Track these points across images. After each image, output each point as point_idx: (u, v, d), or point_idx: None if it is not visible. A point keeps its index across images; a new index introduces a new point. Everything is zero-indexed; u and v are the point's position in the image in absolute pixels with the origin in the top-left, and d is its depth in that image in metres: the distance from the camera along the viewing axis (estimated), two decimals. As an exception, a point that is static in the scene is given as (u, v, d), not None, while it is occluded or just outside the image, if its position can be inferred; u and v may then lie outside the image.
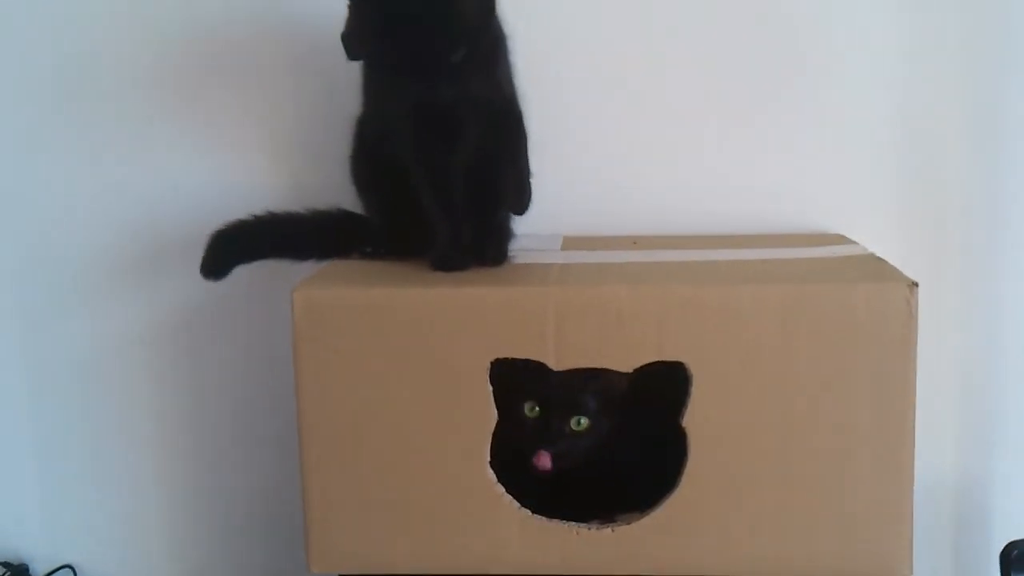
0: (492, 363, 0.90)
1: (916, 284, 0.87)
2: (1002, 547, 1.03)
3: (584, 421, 0.94)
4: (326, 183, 1.09)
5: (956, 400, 1.17)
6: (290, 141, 1.21)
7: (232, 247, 1.03)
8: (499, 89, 0.97)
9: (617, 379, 0.92)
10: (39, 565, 1.30)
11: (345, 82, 1.02)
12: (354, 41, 0.91)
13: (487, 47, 0.94)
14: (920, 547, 1.06)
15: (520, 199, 1.01)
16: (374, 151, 1.02)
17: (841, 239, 1.10)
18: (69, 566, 1.29)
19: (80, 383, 1.27)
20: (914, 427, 0.88)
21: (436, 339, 0.90)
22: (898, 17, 1.14)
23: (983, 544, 1.04)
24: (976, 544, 1.12)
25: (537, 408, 0.94)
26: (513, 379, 0.92)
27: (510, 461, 0.93)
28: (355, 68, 1.00)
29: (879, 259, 0.99)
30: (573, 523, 0.92)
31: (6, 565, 1.28)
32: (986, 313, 1.17)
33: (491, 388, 0.90)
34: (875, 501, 0.89)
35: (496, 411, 0.90)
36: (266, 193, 1.17)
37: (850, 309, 0.87)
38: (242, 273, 1.06)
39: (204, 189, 1.20)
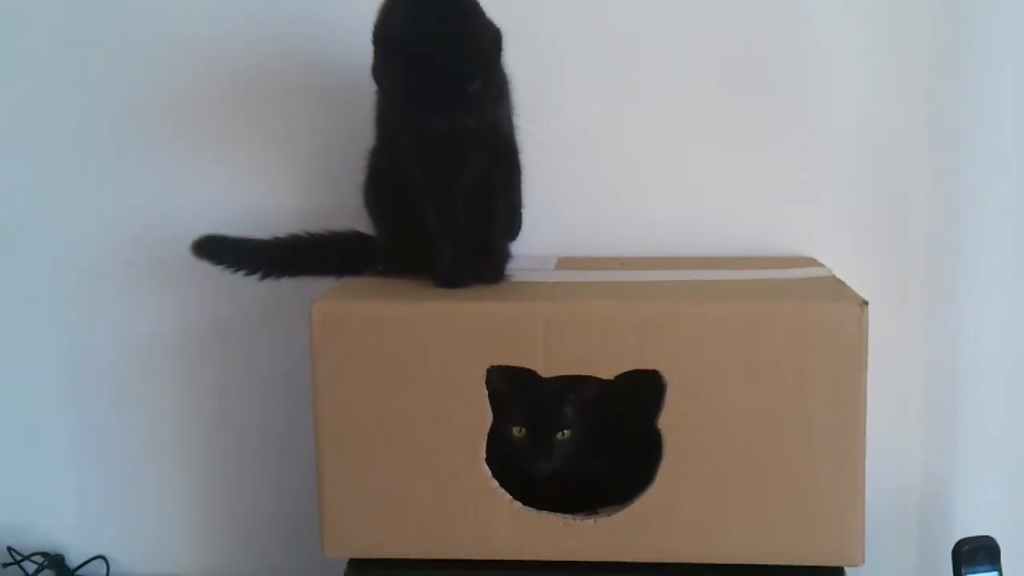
0: (488, 370, 0.98)
1: (867, 303, 0.95)
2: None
3: (567, 432, 1.03)
4: (343, 208, 1.16)
5: (920, 409, 1.24)
6: (311, 169, 1.28)
7: (233, 251, 1.12)
8: (501, 125, 1.06)
9: (590, 384, 1.00)
10: (74, 555, 1.35)
11: (362, 114, 1.11)
12: (381, 74, 0.99)
13: (495, 85, 1.02)
14: (886, 544, 1.16)
15: (511, 226, 1.11)
16: (385, 179, 1.10)
17: (811, 262, 1.18)
18: (102, 556, 1.35)
19: (115, 386, 1.34)
20: (865, 429, 0.96)
21: (438, 348, 0.98)
22: (866, 60, 1.21)
23: (944, 542, 1.10)
24: (938, 542, 1.18)
25: (524, 430, 1.03)
26: (502, 398, 1.00)
27: (503, 459, 1.01)
28: (370, 102, 1.09)
29: (838, 280, 1.07)
30: (560, 514, 1.00)
31: (44, 555, 1.33)
32: (946, 328, 1.23)
33: (487, 393, 0.98)
34: (830, 495, 0.97)
35: (491, 414, 0.98)
36: (289, 216, 1.24)
37: (808, 324, 0.96)
38: (265, 287, 1.15)
39: (231, 211, 1.27)
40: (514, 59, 1.04)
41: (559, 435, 1.03)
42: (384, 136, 1.10)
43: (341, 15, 1.18)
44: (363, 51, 1.01)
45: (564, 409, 1.03)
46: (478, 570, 1.02)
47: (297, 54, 1.26)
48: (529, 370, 0.98)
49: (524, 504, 1.01)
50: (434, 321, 0.99)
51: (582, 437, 1.04)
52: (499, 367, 0.98)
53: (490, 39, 0.98)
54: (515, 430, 1.03)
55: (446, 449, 1.00)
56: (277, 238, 1.15)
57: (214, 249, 1.12)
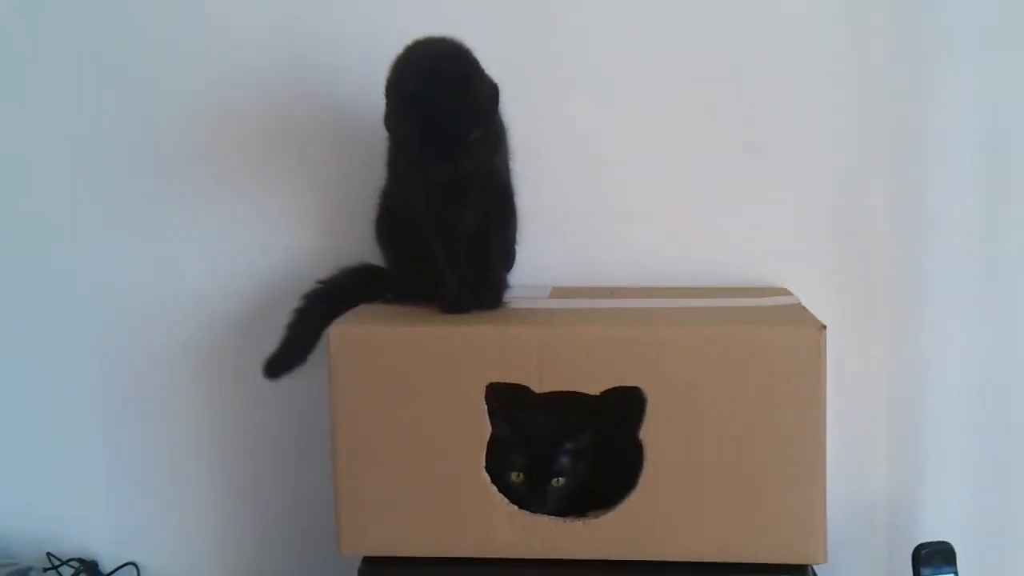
0: (487, 387, 1.07)
1: (824, 327, 1.05)
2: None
3: (561, 480, 1.10)
4: (357, 242, 1.27)
5: (885, 426, 1.33)
6: (327, 208, 1.38)
7: (288, 356, 1.20)
8: (499, 170, 1.16)
9: (583, 434, 1.11)
10: (106, 561, 1.42)
11: (374, 158, 1.21)
12: (392, 124, 1.10)
13: (493, 133, 1.12)
14: (853, 548, 1.23)
15: (506, 260, 1.21)
16: (396, 216, 1.20)
17: (782, 291, 1.28)
18: (133, 563, 1.42)
19: (143, 401, 1.42)
20: (825, 439, 1.05)
21: (443, 367, 1.08)
22: (836, 111, 1.31)
23: (906, 546, 1.17)
24: (900, 546, 1.24)
25: (521, 475, 1.10)
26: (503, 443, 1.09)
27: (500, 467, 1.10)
28: (382, 147, 1.19)
29: (803, 307, 1.17)
30: (553, 517, 1.09)
31: (79, 560, 1.40)
32: (908, 348, 1.32)
33: (486, 407, 1.07)
34: (795, 499, 1.06)
35: (490, 425, 1.08)
36: (308, 250, 1.36)
37: (772, 346, 1.06)
38: (286, 312, 1.24)
39: (254, 245, 1.39)
40: (510, 107, 1.13)
41: (554, 482, 1.10)
42: (395, 178, 1.20)
43: (355, 66, 1.30)
44: (376, 100, 1.10)
45: (560, 459, 1.11)
46: (479, 567, 1.10)
47: (313, 103, 1.36)
48: (529, 411, 1.08)
49: (519, 507, 1.09)
50: (440, 342, 1.09)
51: (575, 482, 1.11)
52: (497, 383, 1.08)
53: (487, 94, 1.09)
54: (513, 475, 1.10)
55: (450, 457, 1.09)
56: (302, 309, 1.23)
57: (279, 367, 1.20)
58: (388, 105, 1.09)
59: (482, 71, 1.10)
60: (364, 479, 1.10)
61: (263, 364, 1.20)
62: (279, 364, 1.20)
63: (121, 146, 1.41)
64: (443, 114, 1.06)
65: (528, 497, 1.10)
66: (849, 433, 1.29)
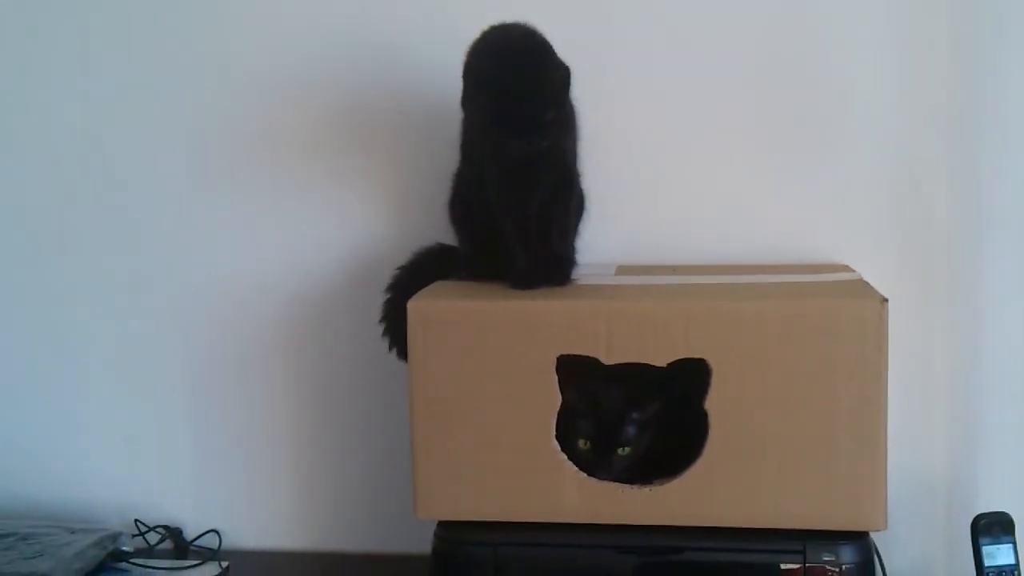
0: (558, 359, 1.11)
1: (886, 300, 1.07)
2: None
3: (627, 449, 1.13)
4: (431, 223, 1.32)
5: (945, 400, 1.35)
6: (403, 192, 1.44)
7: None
8: (567, 152, 1.20)
9: (652, 403, 1.14)
10: (190, 529, 1.48)
11: (442, 144, 1.26)
12: (470, 104, 1.14)
13: (564, 115, 1.17)
14: (913, 519, 1.26)
15: (566, 238, 1.24)
16: (468, 197, 1.24)
17: (843, 268, 1.30)
18: (215, 530, 1.47)
19: (228, 379, 1.48)
20: (886, 410, 1.07)
21: (515, 340, 1.12)
22: (889, 81, 1.33)
23: (965, 516, 1.19)
24: (959, 516, 1.26)
25: (588, 443, 1.13)
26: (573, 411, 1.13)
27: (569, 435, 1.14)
28: (452, 131, 1.23)
29: (864, 282, 1.20)
30: (619, 484, 1.13)
31: (165, 527, 1.47)
32: (967, 323, 1.34)
33: (557, 378, 1.11)
34: (856, 468, 1.08)
35: (560, 396, 1.11)
36: (383, 232, 1.41)
37: (834, 319, 1.08)
38: (361, 287, 1.29)
39: (331, 231, 1.46)
40: (579, 90, 1.17)
41: (620, 451, 1.13)
42: (469, 159, 1.24)
43: (426, 54, 1.36)
44: (442, 87, 1.16)
45: (626, 428, 1.14)
46: (549, 531, 1.14)
47: (385, 92, 1.42)
48: (598, 381, 1.12)
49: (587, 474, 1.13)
50: (512, 316, 1.13)
51: (640, 452, 1.15)
52: (568, 355, 1.12)
53: (561, 76, 1.13)
54: (580, 442, 1.13)
55: (521, 426, 1.13)
56: (391, 300, 1.29)
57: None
58: (465, 86, 1.14)
59: (555, 54, 1.14)
60: (440, 446, 1.14)
61: (398, 355, 1.24)
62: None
63: (209, 137, 1.47)
64: (519, 93, 1.11)
65: (594, 464, 1.14)
66: (908, 405, 1.31)
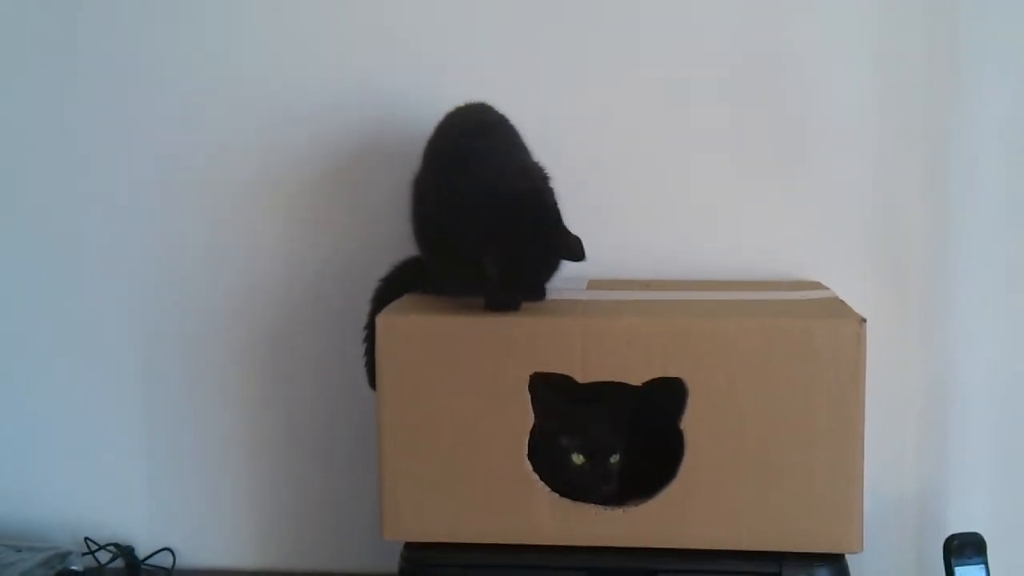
0: (531, 376, 1.09)
1: (864, 320, 1.06)
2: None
3: (617, 457, 1.12)
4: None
5: (917, 418, 1.35)
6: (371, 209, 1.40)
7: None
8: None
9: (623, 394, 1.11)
10: (143, 547, 1.43)
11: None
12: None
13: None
14: (885, 539, 1.26)
15: None
16: (433, 217, 1.17)
17: (817, 285, 1.29)
18: (169, 548, 1.43)
19: (183, 390, 1.45)
20: (863, 432, 1.07)
21: (488, 356, 1.09)
22: (872, 108, 1.33)
23: (937, 537, 1.19)
24: (931, 537, 1.28)
25: (582, 457, 1.12)
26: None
27: (542, 455, 1.11)
28: None
29: (840, 301, 1.19)
30: (593, 505, 1.10)
31: (116, 545, 1.43)
32: (941, 343, 1.34)
33: (530, 396, 1.09)
34: (832, 490, 1.07)
35: (533, 415, 1.09)
36: (352, 248, 1.39)
37: (812, 339, 1.07)
38: (332, 298, 1.27)
39: (300, 242, 1.43)
40: (549, 104, 1.17)
41: (612, 459, 1.12)
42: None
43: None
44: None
45: (612, 438, 1.12)
46: (520, 553, 1.12)
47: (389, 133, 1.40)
48: (568, 376, 1.10)
49: (561, 495, 1.11)
50: (484, 332, 1.10)
51: (625, 456, 1.13)
52: (541, 373, 1.09)
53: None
54: (574, 457, 1.11)
55: (493, 445, 1.10)
56: (372, 311, 1.24)
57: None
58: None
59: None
60: (408, 465, 1.12)
61: (369, 383, 1.20)
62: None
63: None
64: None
65: (592, 475, 1.12)
66: (880, 425, 1.29)
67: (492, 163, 1.14)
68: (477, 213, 1.08)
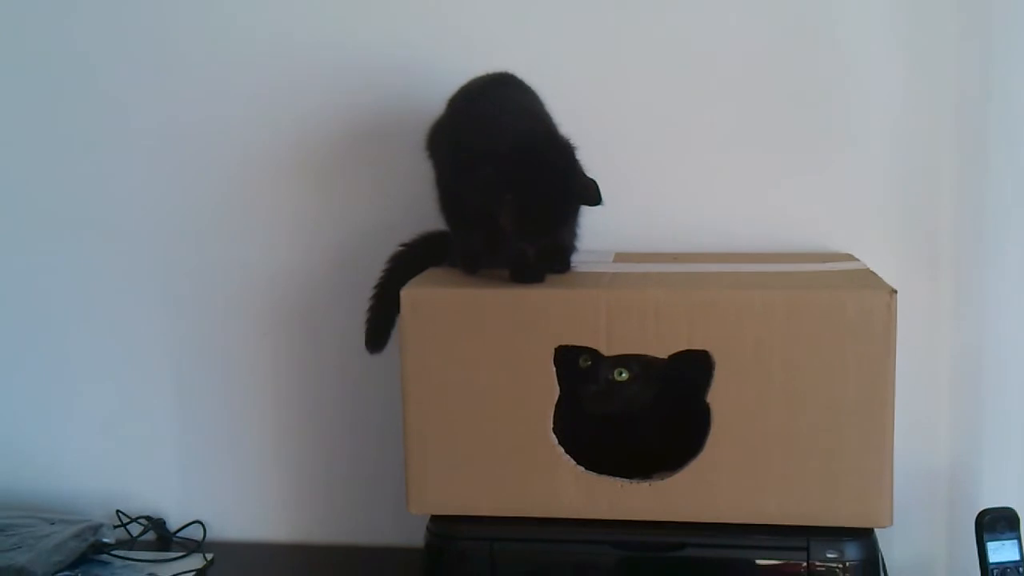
0: (556, 349, 1.08)
1: (895, 291, 1.05)
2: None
3: (625, 373, 1.10)
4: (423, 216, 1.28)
5: (948, 392, 1.33)
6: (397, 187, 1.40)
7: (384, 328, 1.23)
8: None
9: (654, 360, 1.09)
10: (174, 520, 1.46)
11: None
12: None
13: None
14: (917, 514, 1.24)
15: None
16: (457, 199, 1.17)
17: (847, 257, 1.28)
18: (199, 521, 1.45)
19: (214, 367, 1.46)
20: (893, 404, 1.05)
21: (512, 329, 1.09)
22: (894, 67, 1.31)
23: (969, 512, 1.17)
24: (963, 511, 1.25)
25: (589, 361, 1.11)
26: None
27: (569, 428, 1.11)
28: None
29: (871, 272, 1.17)
30: (618, 478, 1.10)
31: (147, 518, 1.45)
32: (972, 315, 1.32)
33: (555, 369, 1.08)
34: (862, 463, 1.06)
35: (558, 387, 1.09)
36: (378, 224, 1.38)
37: (842, 310, 1.05)
38: (359, 273, 1.26)
39: (325, 220, 1.43)
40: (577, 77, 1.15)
41: (617, 372, 1.10)
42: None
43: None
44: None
45: (628, 359, 1.10)
46: (545, 526, 1.12)
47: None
48: (593, 349, 1.09)
49: (586, 468, 1.11)
50: (508, 305, 1.10)
51: (638, 393, 1.12)
52: (566, 345, 1.09)
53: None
54: (581, 359, 1.11)
55: (518, 418, 1.10)
56: (383, 286, 1.25)
57: (378, 338, 1.23)
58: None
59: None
60: (433, 439, 1.12)
61: (365, 343, 1.21)
62: (377, 335, 1.21)
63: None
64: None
65: (590, 379, 1.11)
66: (911, 398, 1.27)
67: (507, 116, 1.12)
68: (490, 159, 1.06)
